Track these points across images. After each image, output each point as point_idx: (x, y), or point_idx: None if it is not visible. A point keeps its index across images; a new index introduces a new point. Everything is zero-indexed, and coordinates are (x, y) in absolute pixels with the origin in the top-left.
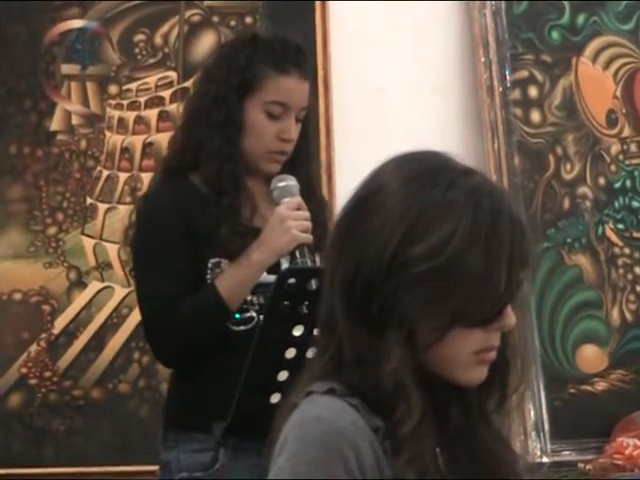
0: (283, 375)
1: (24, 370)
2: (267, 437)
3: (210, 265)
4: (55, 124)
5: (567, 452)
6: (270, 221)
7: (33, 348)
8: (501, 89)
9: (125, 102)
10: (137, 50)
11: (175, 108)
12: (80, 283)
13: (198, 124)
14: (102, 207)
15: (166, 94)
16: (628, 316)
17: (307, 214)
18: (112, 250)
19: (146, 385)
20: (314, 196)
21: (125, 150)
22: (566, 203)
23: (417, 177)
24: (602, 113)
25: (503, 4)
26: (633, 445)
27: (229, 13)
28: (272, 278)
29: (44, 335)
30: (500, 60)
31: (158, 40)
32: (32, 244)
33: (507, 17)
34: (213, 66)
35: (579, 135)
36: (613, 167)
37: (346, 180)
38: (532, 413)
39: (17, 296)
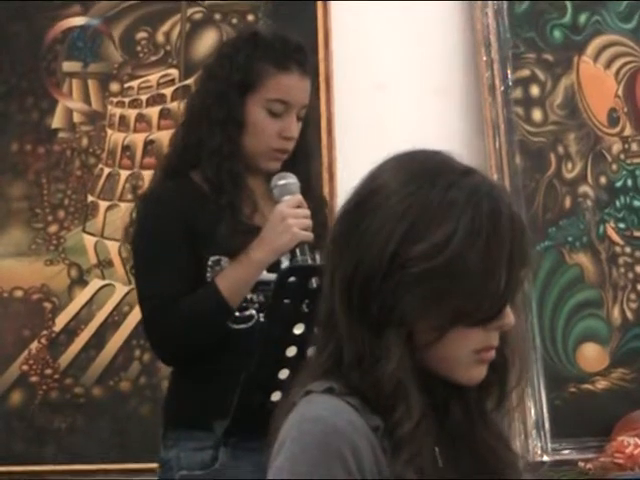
0: (284, 373)
1: (25, 368)
2: (267, 436)
3: (210, 263)
4: (56, 122)
5: (568, 451)
6: (270, 219)
7: (34, 346)
8: (503, 88)
9: (126, 100)
10: (139, 48)
11: (176, 106)
12: (81, 281)
13: (199, 122)
14: (103, 205)
15: (167, 92)
16: (629, 315)
17: (307, 212)
18: (113, 248)
19: (147, 383)
20: (314, 194)
21: (126, 148)
22: (567, 202)
23: (417, 177)
24: (603, 112)
25: (505, 3)
26: (634, 444)
27: (230, 11)
28: (272, 276)
29: (45, 333)
30: (502, 59)
31: (160, 38)
32: (33, 242)
33: (509, 16)
34: (214, 64)
35: (580, 134)
36: (614, 166)
37: (347, 179)
38: (533, 412)
39: (18, 293)
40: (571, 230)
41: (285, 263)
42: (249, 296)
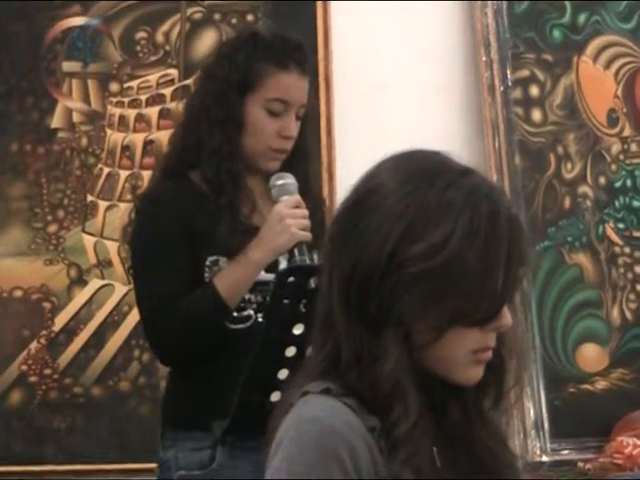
0: (283, 373)
1: (24, 367)
2: (265, 435)
3: (208, 263)
4: (56, 121)
5: (567, 451)
6: (269, 219)
7: (33, 345)
8: (502, 88)
9: (126, 100)
10: (138, 48)
11: (176, 106)
12: (80, 281)
13: (199, 122)
14: (103, 205)
15: (167, 92)
16: (628, 315)
17: (306, 212)
18: (112, 248)
19: (146, 383)
20: (312, 194)
21: (126, 148)
22: (567, 202)
23: (415, 177)
24: (603, 112)
25: (504, 3)
26: (633, 444)
27: (230, 11)
28: (270, 276)
29: (44, 332)
30: (501, 59)
31: (159, 38)
32: (33, 241)
33: (508, 16)
34: (213, 64)
35: (580, 134)
36: (614, 166)
37: (347, 179)
38: (532, 412)
39: (18, 293)
40: (570, 230)
41: (283, 263)
42: (247, 296)
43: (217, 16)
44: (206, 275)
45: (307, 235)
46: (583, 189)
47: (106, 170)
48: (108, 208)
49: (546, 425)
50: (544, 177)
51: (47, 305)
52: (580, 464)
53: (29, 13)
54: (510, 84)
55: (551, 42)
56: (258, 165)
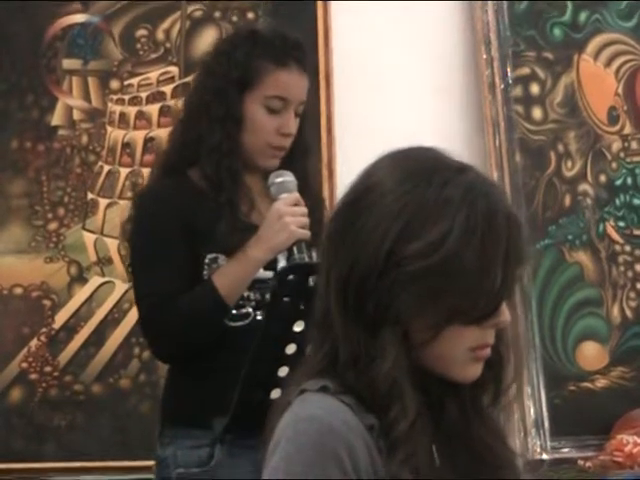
0: (284, 371)
1: (24, 365)
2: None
3: (207, 261)
4: (56, 119)
5: (567, 449)
6: (268, 217)
7: (33, 343)
8: (503, 86)
9: (126, 97)
10: (139, 45)
11: (176, 103)
12: (81, 278)
13: (198, 119)
14: (103, 202)
15: (167, 89)
16: (628, 313)
17: (305, 210)
18: (113, 245)
19: (146, 380)
20: (311, 192)
21: (126, 145)
22: (567, 200)
23: (412, 175)
24: (603, 110)
25: (505, 2)
26: (633, 442)
27: (230, 9)
28: (269, 274)
29: (44, 330)
30: (502, 57)
31: (160, 35)
32: (33, 239)
33: (509, 14)
34: (212, 61)
35: (580, 132)
36: (614, 164)
37: (347, 177)
38: (532, 410)
39: (18, 291)
40: (571, 228)
41: (282, 261)
42: (246, 294)
43: (217, 14)
44: (205, 273)
45: (306, 233)
46: (583, 187)
47: (106, 168)
48: (108, 206)
49: (546, 423)
50: (544, 175)
51: (47, 303)
52: (580, 462)
53: (29, 11)
54: (510, 82)
55: (552, 40)
56: (257, 163)
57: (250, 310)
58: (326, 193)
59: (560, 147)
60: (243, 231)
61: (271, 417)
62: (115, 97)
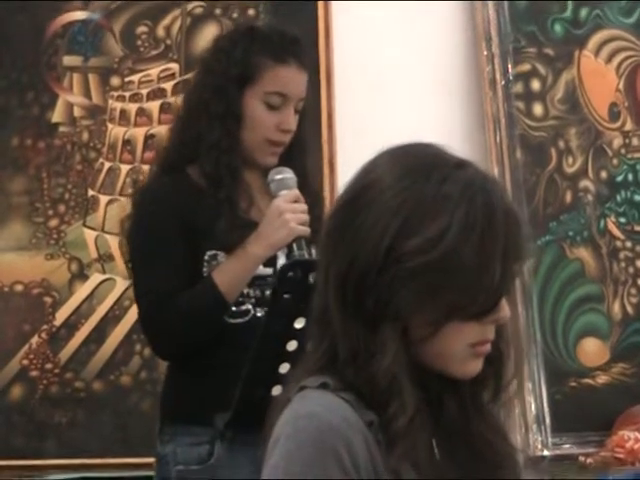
0: (285, 367)
1: (25, 362)
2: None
3: (207, 258)
4: (57, 116)
5: (568, 445)
6: (267, 214)
7: (34, 340)
8: (503, 82)
9: (127, 94)
10: (139, 42)
11: (177, 100)
12: (82, 275)
13: (197, 117)
14: (104, 199)
15: (168, 86)
16: (629, 310)
17: (305, 207)
18: (113, 242)
19: (147, 377)
20: (310, 189)
21: (127, 142)
22: (568, 197)
23: (411, 171)
24: (604, 107)
25: None
26: (634, 439)
27: (231, 5)
28: (269, 271)
29: (45, 327)
30: (503, 53)
31: (160, 32)
32: (34, 236)
33: (510, 10)
34: (211, 59)
35: (581, 129)
36: (615, 161)
37: (348, 173)
38: (533, 406)
39: (19, 288)
40: (572, 225)
41: (282, 258)
42: (245, 291)
43: (218, 10)
44: (205, 270)
45: (306, 230)
46: (584, 183)
47: (107, 164)
48: (109, 202)
49: (547, 419)
50: (545, 171)
51: (48, 300)
52: (581, 458)
53: (30, 7)
54: (511, 78)
55: (552, 36)
56: (256, 159)
57: (250, 307)
58: (327, 190)
59: (561, 143)
60: (243, 228)
61: (271, 414)
62: (116, 94)
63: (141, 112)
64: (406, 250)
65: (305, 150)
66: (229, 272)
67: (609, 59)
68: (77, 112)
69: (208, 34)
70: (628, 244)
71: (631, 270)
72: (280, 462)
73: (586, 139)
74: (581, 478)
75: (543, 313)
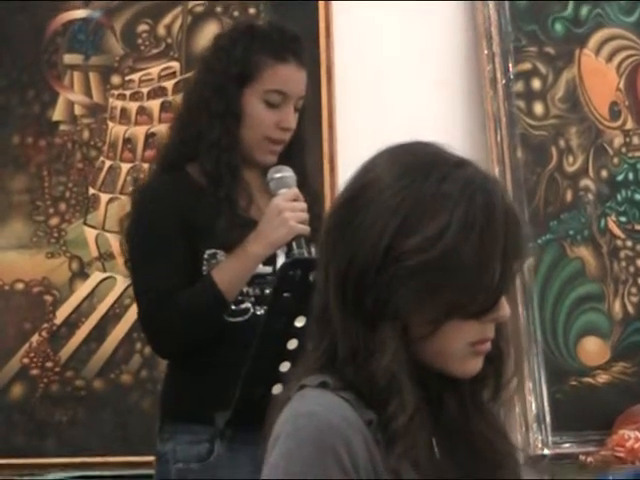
0: (285, 366)
1: (26, 361)
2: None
3: (206, 256)
4: (58, 114)
5: (568, 444)
6: (267, 213)
7: (35, 338)
8: (504, 81)
9: (128, 92)
10: (140, 41)
11: (178, 99)
12: (82, 273)
13: (198, 115)
14: (104, 197)
15: (169, 85)
16: (630, 309)
17: (304, 205)
18: (114, 240)
19: (148, 376)
20: (309, 187)
21: (127, 141)
22: (568, 196)
23: (410, 170)
24: (605, 106)
25: None
26: (634, 438)
27: (232, 4)
28: (268, 269)
29: (46, 325)
30: (503, 52)
31: (161, 31)
32: (35, 234)
33: (510, 9)
34: (211, 57)
35: (582, 128)
36: (616, 160)
37: (349, 171)
38: (533, 405)
39: (19, 286)
40: (572, 223)
41: (281, 256)
42: (245, 289)
43: (219, 9)
44: (204, 268)
45: (305, 228)
46: (585, 182)
47: (108, 163)
48: (110, 201)
49: (548, 418)
50: (546, 170)
51: (49, 298)
52: (581, 457)
53: (30, 6)
54: (512, 77)
55: (553, 35)
56: (255, 157)
57: (249, 305)
58: (328, 188)
59: (561, 142)
60: (242, 227)
61: (271, 413)
62: (116, 92)
63: (142, 111)
64: (405, 249)
65: (304, 148)
66: (229, 271)
67: (610, 58)
68: (78, 110)
69: (209, 33)
70: (629, 243)
71: (631, 269)
72: (280, 461)
73: (587, 138)
74: (581, 477)
75: (544, 312)
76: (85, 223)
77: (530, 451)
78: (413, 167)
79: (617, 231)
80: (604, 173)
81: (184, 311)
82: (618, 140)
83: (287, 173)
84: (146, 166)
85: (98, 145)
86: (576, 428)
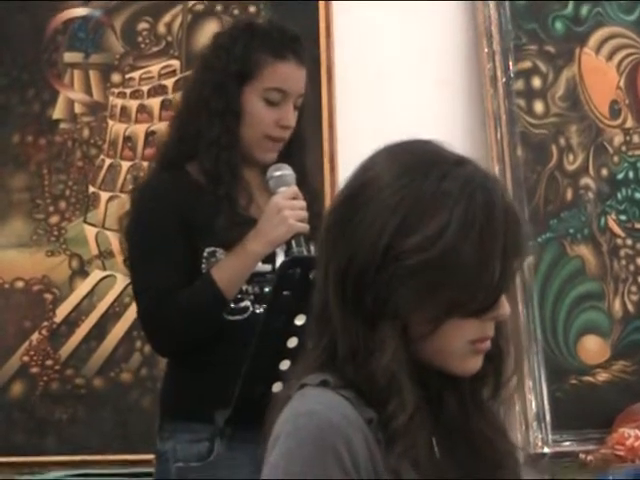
0: (285, 364)
1: (26, 359)
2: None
3: (206, 255)
4: (58, 113)
5: (568, 443)
6: (266, 211)
7: (35, 337)
8: (504, 80)
9: (128, 91)
10: (140, 39)
11: (178, 97)
12: (82, 272)
13: (197, 113)
14: (104, 196)
15: (169, 83)
16: (630, 307)
17: (303, 203)
18: (114, 239)
19: (148, 374)
20: (309, 185)
21: (128, 139)
22: (569, 194)
23: (410, 168)
24: (605, 104)
25: None
26: (634, 436)
27: (232, 2)
28: (267, 267)
29: (46, 324)
30: (503, 51)
31: (161, 29)
32: (34, 233)
33: (511, 8)
34: (210, 55)
35: (582, 126)
36: (616, 158)
37: (349, 170)
38: (533, 404)
39: (19, 284)
40: (572, 222)
41: (281, 255)
42: (244, 287)
43: (219, 7)
44: (203, 266)
45: (305, 226)
46: (585, 181)
47: (108, 161)
48: (110, 199)
49: (547, 417)
50: (546, 169)
51: (49, 296)
52: (581, 456)
53: (30, 4)
54: (512, 76)
55: (553, 34)
56: (255, 156)
57: (249, 304)
58: (328, 187)
59: (562, 141)
60: (242, 225)
61: (271, 411)
62: (116, 90)
63: (142, 109)
64: (405, 248)
65: (304, 146)
66: (228, 269)
67: (610, 56)
68: (78, 109)
69: (209, 31)
70: (629, 242)
71: (632, 268)
72: (280, 461)
73: (587, 137)
74: (581, 475)
75: (544, 311)
76: (85, 221)
77: (530, 450)
78: (413, 165)
79: (617, 230)
80: (604, 172)
81: (183, 309)
82: (618, 138)
83: (286, 171)
84: (146, 164)
85: (98, 143)
86: (576, 426)
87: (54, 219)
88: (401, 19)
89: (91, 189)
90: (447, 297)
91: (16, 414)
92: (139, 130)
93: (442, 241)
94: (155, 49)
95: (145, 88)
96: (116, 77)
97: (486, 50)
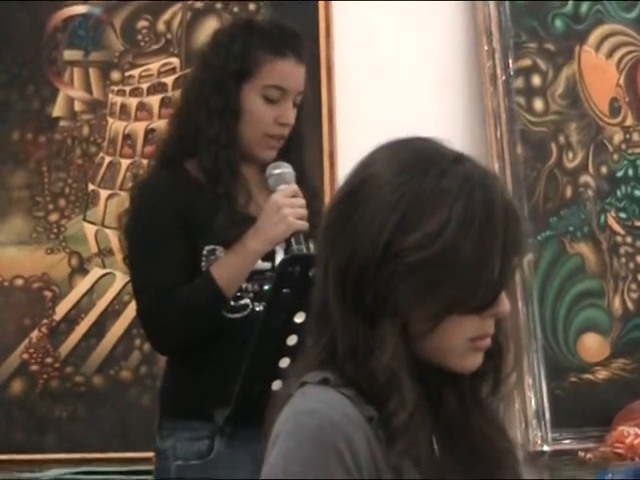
0: (285, 362)
1: (25, 356)
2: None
3: (205, 253)
4: (57, 110)
5: (568, 441)
6: (266, 209)
7: (34, 334)
8: (504, 77)
9: (127, 88)
10: (140, 36)
11: (177, 95)
12: (82, 269)
13: (196, 111)
14: (104, 193)
15: (169, 80)
16: (630, 305)
17: (303, 201)
18: (113, 236)
19: (147, 372)
20: (308, 183)
21: (127, 136)
22: (568, 192)
23: (409, 166)
24: (605, 102)
25: None
26: (634, 434)
27: (232, 0)
28: (267, 265)
29: (45, 321)
30: (503, 48)
31: (161, 27)
32: (34, 230)
33: (510, 5)
34: (210, 53)
35: (582, 124)
36: (615, 156)
37: (349, 168)
38: (533, 402)
39: (19, 282)
40: (572, 220)
41: (280, 252)
42: (244, 285)
43: (219, 5)
44: (203, 264)
45: (304, 224)
46: (585, 179)
47: (107, 159)
48: (109, 197)
49: (547, 415)
50: (546, 167)
51: (48, 294)
52: (581, 453)
53: (31, 2)
54: (512, 73)
55: (553, 31)
56: (254, 153)
57: (248, 301)
58: (327, 184)
59: (561, 139)
60: (241, 223)
61: (271, 409)
62: (116, 88)
63: (141, 106)
64: (405, 246)
65: (303, 144)
66: (227, 267)
67: (610, 54)
68: (77, 106)
69: (209, 29)
70: (628, 239)
71: (631, 265)
72: (280, 460)
73: (586, 134)
74: (581, 473)
75: (543, 308)
76: (85, 219)
77: (529, 447)
78: (412, 163)
79: (617, 227)
80: (604, 169)
81: (183, 307)
82: (618, 136)
83: (286, 169)
84: (146, 162)
85: (98, 141)
86: (575, 424)
87: (54, 217)
88: (401, 18)
89: (91, 187)
90: (447, 294)
91: (16, 412)
92: (139, 128)
93: (442, 238)
94: (155, 47)
95: (145, 86)
96: (116, 75)
97: (486, 48)
